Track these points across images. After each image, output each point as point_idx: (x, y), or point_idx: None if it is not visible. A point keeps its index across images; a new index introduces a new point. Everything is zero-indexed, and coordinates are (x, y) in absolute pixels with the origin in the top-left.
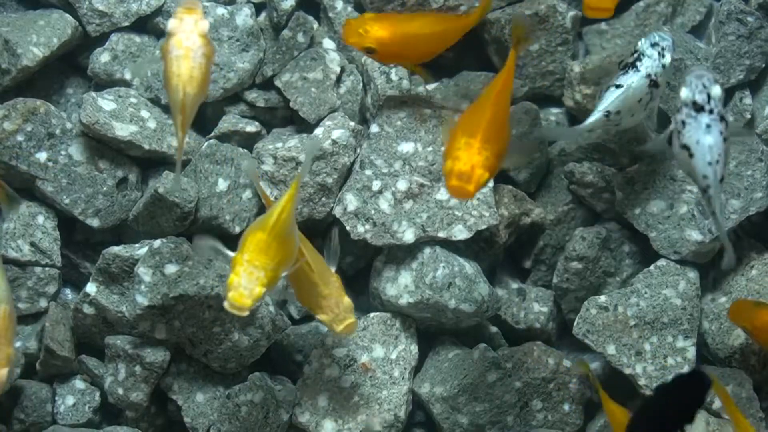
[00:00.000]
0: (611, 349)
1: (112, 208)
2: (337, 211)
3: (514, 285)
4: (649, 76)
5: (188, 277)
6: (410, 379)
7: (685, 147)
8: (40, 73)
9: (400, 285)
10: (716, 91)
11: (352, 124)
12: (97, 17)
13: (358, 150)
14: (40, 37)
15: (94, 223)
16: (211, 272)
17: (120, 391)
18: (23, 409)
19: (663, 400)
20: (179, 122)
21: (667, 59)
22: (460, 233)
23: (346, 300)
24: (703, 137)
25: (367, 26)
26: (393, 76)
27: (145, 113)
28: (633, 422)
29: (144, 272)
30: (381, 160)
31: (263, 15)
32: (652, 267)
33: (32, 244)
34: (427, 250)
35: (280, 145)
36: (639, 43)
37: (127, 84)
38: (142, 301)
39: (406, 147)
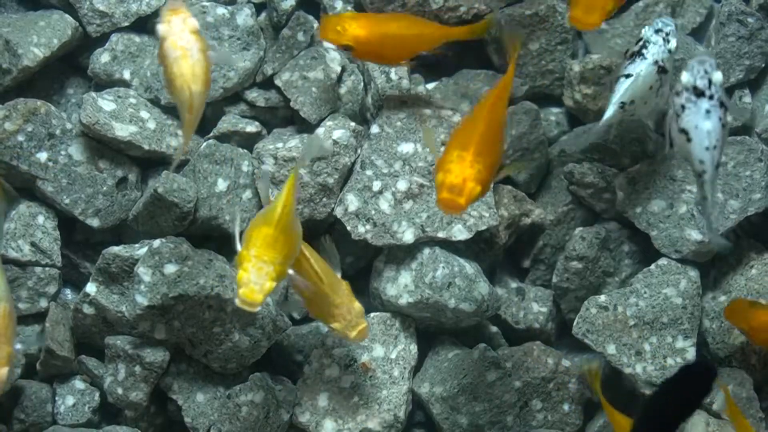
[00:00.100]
0: (611, 349)
1: (112, 208)
2: (338, 212)
3: (514, 285)
4: (656, 62)
5: (188, 277)
6: (410, 379)
7: (684, 131)
8: (40, 73)
9: (400, 285)
10: (717, 77)
11: (353, 124)
12: (98, 17)
13: (359, 150)
14: (40, 38)
15: (94, 223)
16: (211, 272)
17: (119, 390)
18: (23, 409)
19: (670, 391)
20: (189, 121)
21: (673, 44)
22: (459, 233)
23: (357, 305)
24: (701, 122)
25: (345, 24)
26: (393, 76)
27: (144, 114)
28: (641, 414)
29: (144, 272)
30: (381, 160)
31: (263, 15)
32: (653, 266)
33: (32, 244)
34: (427, 251)
35: (280, 145)
36: (643, 30)
37: (126, 84)
38: (142, 301)
39: (406, 147)
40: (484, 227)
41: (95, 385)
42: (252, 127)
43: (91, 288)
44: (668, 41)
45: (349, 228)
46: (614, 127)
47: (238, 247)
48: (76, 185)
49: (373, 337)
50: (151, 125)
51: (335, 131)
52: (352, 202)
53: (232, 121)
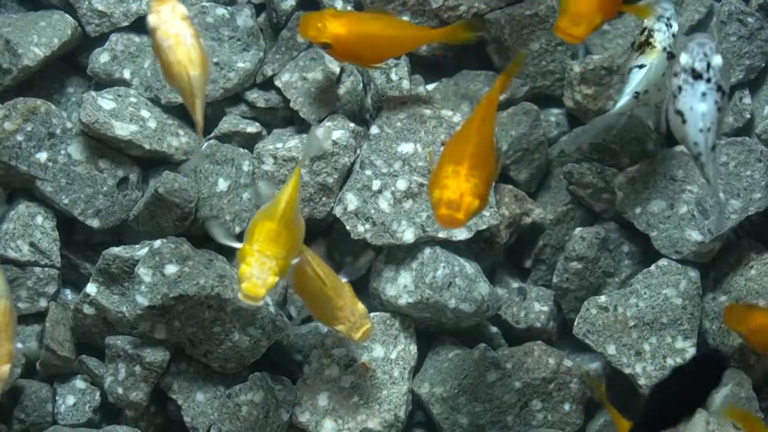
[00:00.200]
0: (611, 349)
1: (113, 208)
2: (338, 211)
3: (515, 284)
4: (665, 49)
5: (188, 277)
6: (410, 379)
7: (679, 112)
8: (40, 72)
9: (399, 285)
10: (717, 60)
11: (352, 125)
12: (97, 17)
13: (358, 150)
14: (40, 38)
15: (94, 223)
16: (211, 272)
17: (120, 390)
18: (23, 409)
19: (679, 381)
20: (194, 106)
21: (675, 28)
22: (460, 233)
23: (360, 306)
24: (697, 104)
25: (326, 21)
26: (393, 76)
27: (145, 113)
28: (650, 404)
29: (144, 272)
30: (381, 160)
31: (263, 15)
32: (653, 267)
33: (31, 245)
34: (427, 250)
35: (280, 145)
36: (645, 21)
37: (126, 84)
38: (142, 301)
39: (406, 147)
40: (484, 227)
41: (96, 384)
42: (252, 128)
43: (91, 288)
44: (671, 26)
45: (348, 227)
46: (623, 117)
47: (229, 243)
48: (75, 185)
49: (373, 337)
50: (152, 124)
51: (335, 131)
52: (352, 201)
53: (232, 121)
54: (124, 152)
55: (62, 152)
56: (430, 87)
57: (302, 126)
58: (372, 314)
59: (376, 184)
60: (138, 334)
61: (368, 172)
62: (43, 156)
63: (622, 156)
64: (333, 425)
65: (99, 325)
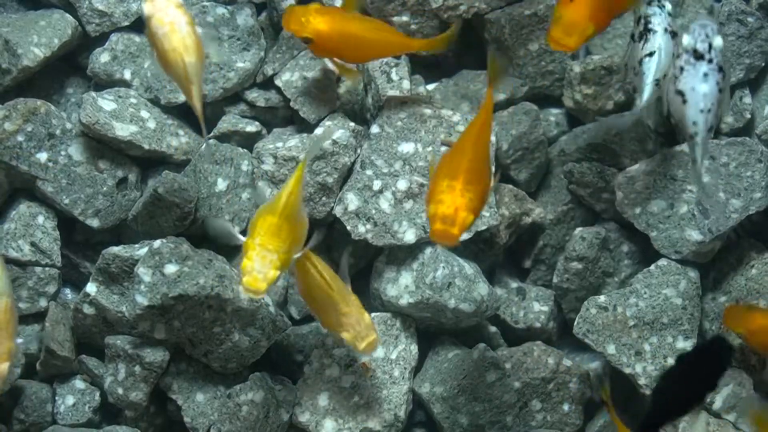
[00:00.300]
0: (611, 349)
1: (112, 208)
2: (338, 211)
3: (514, 284)
4: (666, 30)
5: (188, 277)
6: (410, 379)
7: (680, 93)
8: (40, 73)
9: (400, 285)
10: (718, 41)
11: (353, 124)
12: (97, 17)
13: (359, 150)
14: (40, 38)
15: (94, 223)
16: (211, 272)
17: (120, 390)
18: (23, 409)
19: (687, 368)
20: (191, 92)
21: (668, 6)
22: None
23: (367, 317)
24: (698, 85)
25: (309, 17)
26: (393, 76)
27: (145, 113)
28: (658, 391)
29: (144, 272)
30: (381, 160)
31: (264, 14)
32: (652, 267)
33: (32, 244)
34: (429, 250)
35: (280, 144)
36: (636, 10)
37: (127, 84)
38: (142, 301)
39: (407, 147)
40: (484, 227)
41: (95, 384)
42: (252, 127)
43: (91, 288)
44: (663, 6)
45: (349, 227)
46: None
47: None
48: (75, 185)
49: None
50: (152, 125)
51: (335, 131)
52: (352, 201)
53: (232, 121)
54: (124, 152)
55: (62, 153)
56: (430, 87)
57: (302, 125)
58: (373, 314)
59: (376, 184)
60: (138, 334)
61: (369, 172)
62: (43, 156)
63: (622, 156)
64: (333, 425)
65: (99, 324)
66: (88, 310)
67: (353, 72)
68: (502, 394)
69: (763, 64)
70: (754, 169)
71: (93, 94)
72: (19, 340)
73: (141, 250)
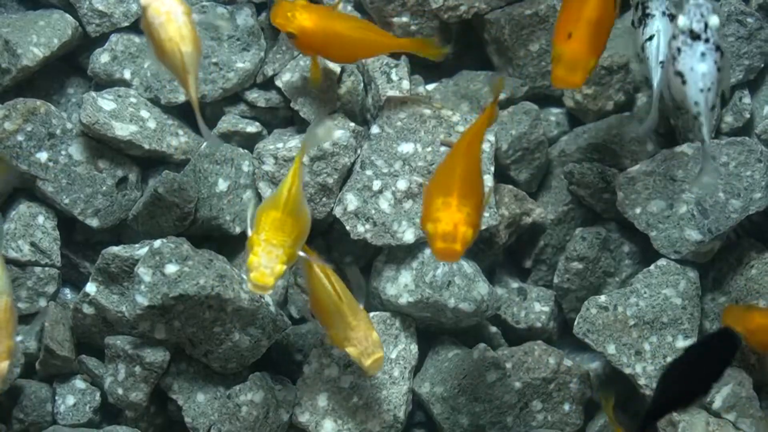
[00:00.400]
0: (611, 349)
1: (112, 208)
2: (338, 211)
3: (515, 284)
4: (664, 13)
5: (188, 277)
6: (410, 379)
7: (679, 74)
8: (40, 73)
9: (400, 284)
10: (714, 20)
11: (353, 124)
12: (97, 17)
13: (359, 150)
14: (40, 38)
15: (94, 223)
16: (211, 272)
17: (120, 391)
18: (23, 409)
19: (693, 359)
20: (187, 82)
21: None
22: None
23: (375, 334)
24: (697, 65)
25: (295, 12)
26: (393, 76)
27: (144, 113)
28: (664, 381)
29: (144, 272)
30: (381, 160)
31: (264, 14)
32: (652, 267)
33: (32, 244)
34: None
35: (280, 145)
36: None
37: (127, 84)
38: (142, 301)
39: (406, 147)
40: (484, 227)
41: (96, 385)
42: (252, 128)
43: (90, 288)
44: None
45: (348, 227)
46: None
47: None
48: (75, 185)
49: None
50: (152, 125)
51: (335, 131)
52: (352, 201)
53: (232, 121)
54: (124, 152)
55: (62, 153)
56: (430, 87)
57: (302, 126)
58: (372, 314)
59: (376, 185)
60: (138, 334)
61: (369, 172)
62: (43, 156)
63: (623, 156)
64: (333, 425)
65: (99, 324)
66: (87, 310)
67: (317, 75)
68: (502, 395)
69: (763, 65)
70: (754, 168)
71: (93, 94)
72: (19, 338)
73: (141, 250)
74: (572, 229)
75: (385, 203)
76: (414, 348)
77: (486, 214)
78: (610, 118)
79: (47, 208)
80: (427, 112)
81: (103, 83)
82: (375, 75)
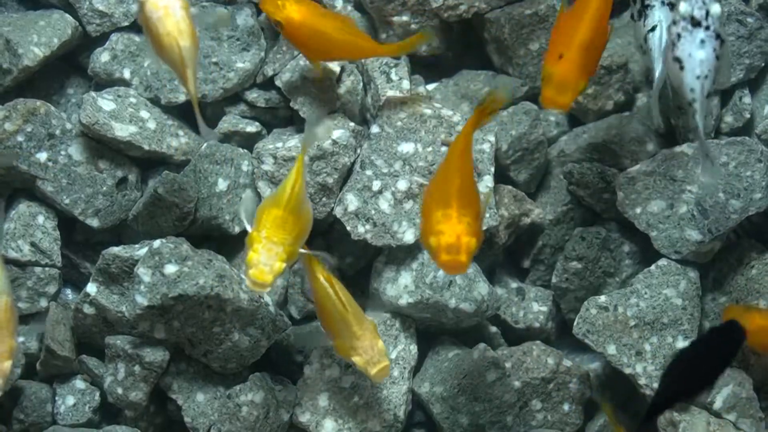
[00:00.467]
0: (611, 349)
1: (112, 208)
2: (338, 212)
3: (514, 284)
4: (663, 3)
5: (188, 277)
6: (410, 379)
7: (677, 59)
8: (40, 73)
9: (400, 285)
10: (715, 9)
11: (352, 124)
12: (97, 17)
13: (359, 150)
14: (40, 37)
15: (94, 223)
16: (210, 272)
17: (119, 390)
18: (23, 409)
19: (698, 352)
20: (186, 77)
21: None
22: None
23: (381, 343)
24: (695, 51)
25: (285, 2)
26: (393, 76)
27: (144, 113)
28: (668, 374)
29: (144, 272)
30: (381, 160)
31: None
32: (652, 267)
33: (32, 245)
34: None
35: (280, 145)
36: None
37: (126, 84)
38: (142, 301)
39: (406, 147)
40: (484, 228)
41: (95, 384)
42: (252, 128)
43: (91, 288)
44: None
45: (348, 228)
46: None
47: (248, 227)
48: (76, 185)
49: None
50: (151, 125)
51: (335, 131)
52: (352, 201)
53: (232, 121)
54: (124, 153)
55: (62, 153)
56: (430, 87)
57: (302, 126)
58: (372, 314)
59: (376, 185)
60: (138, 333)
61: (369, 172)
62: (43, 156)
63: (623, 156)
64: (333, 425)
65: (99, 324)
66: (88, 310)
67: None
68: (502, 394)
69: (763, 64)
70: (754, 168)
71: (93, 94)
72: (21, 339)
73: (141, 251)
74: (571, 229)
75: (385, 203)
76: (414, 348)
77: (486, 215)
78: (609, 118)
79: (47, 208)
80: (428, 111)
81: (103, 83)
82: (374, 75)
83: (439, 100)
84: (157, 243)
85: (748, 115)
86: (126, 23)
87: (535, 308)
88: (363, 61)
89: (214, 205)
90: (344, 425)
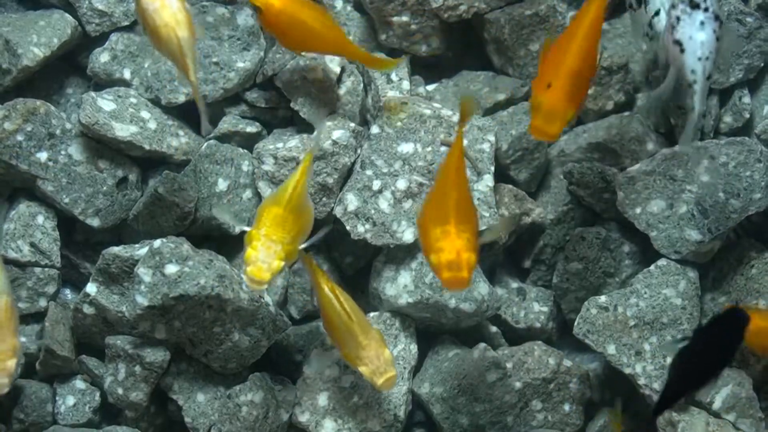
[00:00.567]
0: (611, 349)
1: (112, 208)
2: (338, 211)
3: (514, 284)
4: None
5: (188, 277)
6: (410, 379)
7: (678, 42)
8: (40, 73)
9: (399, 285)
10: None
11: (353, 125)
12: (97, 17)
13: (359, 150)
14: (40, 37)
15: (94, 222)
16: (211, 272)
17: (120, 390)
18: (23, 409)
19: (703, 341)
20: (186, 67)
21: None
22: None
23: (387, 353)
24: (696, 33)
25: None
26: (393, 77)
27: (145, 113)
28: (677, 365)
29: (144, 272)
30: (381, 160)
31: None
32: (652, 267)
33: (32, 245)
34: None
35: (280, 145)
36: None
37: (126, 84)
38: (142, 301)
39: (406, 147)
40: (484, 227)
41: (96, 385)
42: (252, 128)
43: (91, 288)
44: None
45: (348, 228)
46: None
47: (241, 228)
48: (76, 185)
49: None
50: (152, 125)
51: (335, 131)
52: (352, 201)
53: (232, 121)
54: (124, 153)
55: (62, 152)
56: (430, 87)
57: (302, 126)
58: (372, 314)
59: (376, 184)
60: (138, 334)
61: (369, 172)
62: (43, 156)
63: (623, 156)
64: (333, 425)
65: (99, 324)
66: (88, 310)
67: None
68: (503, 394)
69: (762, 64)
70: (754, 168)
71: (93, 94)
72: (23, 339)
73: (141, 250)
74: (572, 229)
75: (384, 203)
76: (414, 348)
77: (486, 214)
78: (610, 118)
79: (47, 207)
80: (427, 112)
81: (102, 83)
82: (375, 75)
83: (439, 100)
84: (157, 243)
85: (747, 115)
86: (126, 23)
87: (536, 308)
88: None
89: (214, 205)
90: (344, 425)
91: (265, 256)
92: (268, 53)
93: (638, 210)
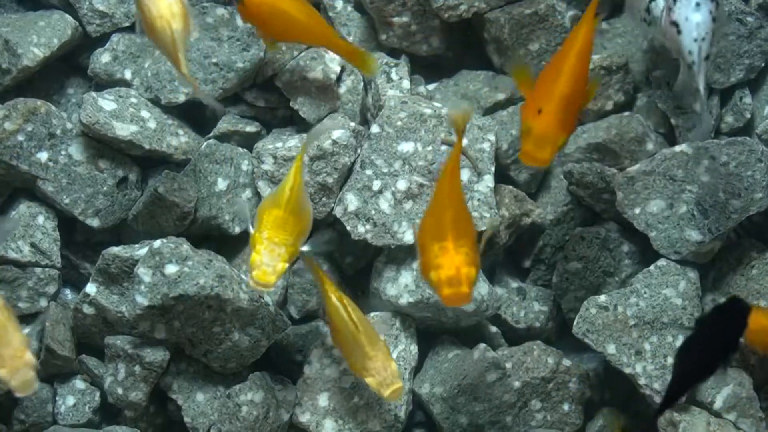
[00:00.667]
0: (611, 349)
1: (113, 208)
2: (338, 211)
3: (514, 284)
4: None
5: (188, 277)
6: (410, 380)
7: (674, 24)
8: (40, 73)
9: (400, 285)
10: None
11: (353, 124)
12: (98, 17)
13: (359, 150)
14: (40, 38)
15: (94, 222)
16: (210, 272)
17: (119, 390)
18: (23, 409)
19: (706, 331)
20: (177, 59)
21: None
22: None
23: (393, 364)
24: (692, 14)
25: None
26: (393, 76)
27: (145, 113)
28: (680, 357)
29: (144, 272)
30: (381, 160)
31: None
32: (652, 267)
33: (32, 245)
34: None
35: (280, 144)
36: None
37: (127, 84)
38: (142, 301)
39: (407, 147)
40: (484, 227)
41: (96, 385)
42: (252, 127)
43: (91, 288)
44: None
45: (348, 228)
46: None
47: (251, 229)
48: (76, 185)
49: None
50: (152, 125)
51: (335, 131)
52: (352, 201)
53: (231, 121)
54: (124, 152)
55: (63, 152)
56: (430, 87)
57: (302, 126)
58: (372, 314)
59: (376, 184)
60: (138, 334)
61: (369, 172)
62: (43, 156)
63: (622, 156)
64: (333, 425)
65: (99, 324)
66: (88, 310)
67: (272, 44)
68: (502, 394)
69: (763, 64)
70: (755, 168)
71: (93, 94)
72: (26, 330)
73: (141, 251)
74: (571, 229)
75: (385, 203)
76: (414, 348)
77: (486, 215)
78: (610, 118)
79: (47, 208)
80: (428, 111)
81: (103, 83)
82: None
83: (439, 100)
84: (157, 243)
85: (748, 115)
86: (127, 24)
87: (536, 308)
88: None
89: (214, 205)
90: (344, 425)
91: (269, 260)
92: (267, 53)
93: (637, 210)
